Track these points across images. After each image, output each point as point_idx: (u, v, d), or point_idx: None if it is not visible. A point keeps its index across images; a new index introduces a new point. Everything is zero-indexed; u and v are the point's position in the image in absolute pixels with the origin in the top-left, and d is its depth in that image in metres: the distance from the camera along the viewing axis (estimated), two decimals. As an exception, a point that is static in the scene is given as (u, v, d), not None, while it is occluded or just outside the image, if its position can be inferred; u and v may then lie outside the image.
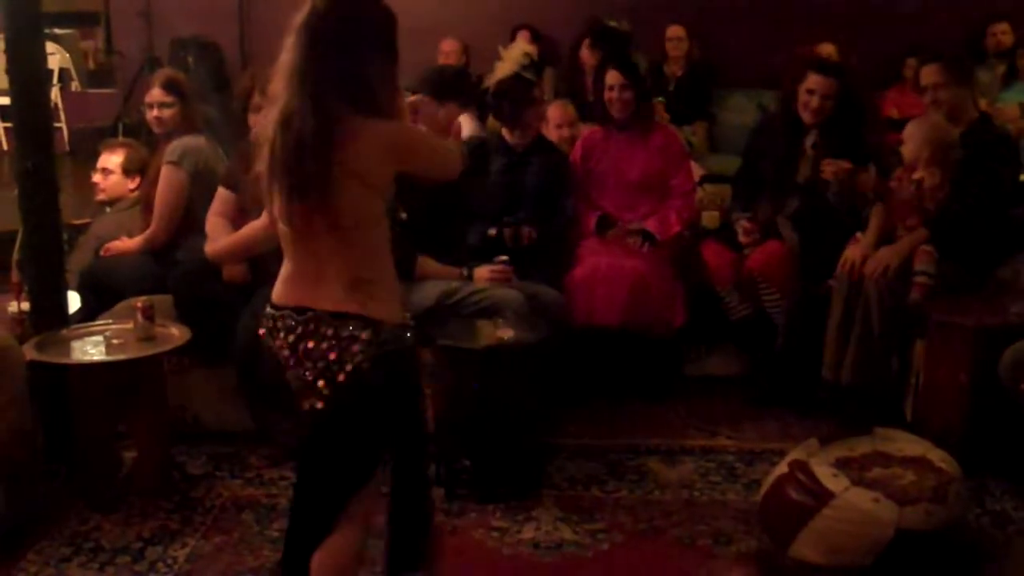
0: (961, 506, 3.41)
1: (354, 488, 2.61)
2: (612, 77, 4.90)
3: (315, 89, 2.40)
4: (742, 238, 4.78)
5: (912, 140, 4.44)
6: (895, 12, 7.58)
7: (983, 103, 6.02)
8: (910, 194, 4.41)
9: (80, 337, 3.97)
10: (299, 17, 2.45)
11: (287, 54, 2.45)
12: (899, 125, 5.42)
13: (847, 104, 4.73)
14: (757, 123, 6.16)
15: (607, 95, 4.91)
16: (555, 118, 5.38)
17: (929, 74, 4.68)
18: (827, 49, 7.02)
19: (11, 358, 3.61)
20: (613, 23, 6.95)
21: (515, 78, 4.74)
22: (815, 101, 4.66)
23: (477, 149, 4.25)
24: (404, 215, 3.82)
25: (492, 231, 4.57)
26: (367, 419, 2.58)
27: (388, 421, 2.64)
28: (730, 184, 5.41)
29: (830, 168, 4.55)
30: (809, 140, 4.74)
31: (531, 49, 4.77)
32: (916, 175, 4.42)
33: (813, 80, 4.66)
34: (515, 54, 4.72)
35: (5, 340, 3.66)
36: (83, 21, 10.40)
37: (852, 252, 4.42)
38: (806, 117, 4.70)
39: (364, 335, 2.49)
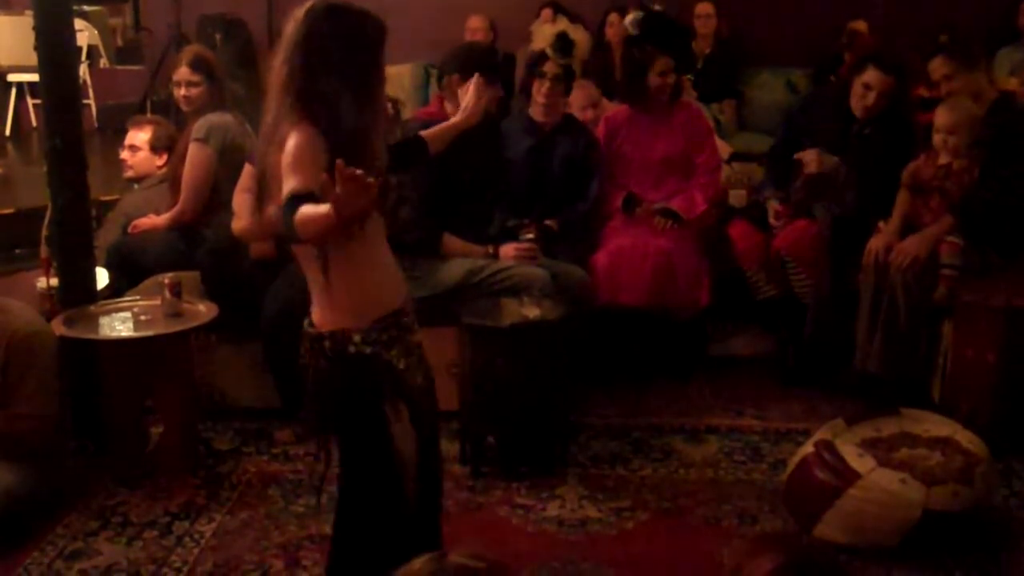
0: (988, 487, 3.40)
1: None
2: (663, 64, 4.77)
3: (282, 95, 2.42)
4: (772, 220, 4.74)
5: (943, 125, 4.36)
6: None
7: (1014, 82, 5.95)
8: (936, 178, 4.35)
9: (108, 313, 4.00)
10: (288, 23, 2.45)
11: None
12: (929, 104, 5.36)
13: (899, 99, 4.64)
14: (801, 101, 6.06)
15: (655, 80, 4.78)
16: (578, 100, 5.24)
17: (937, 67, 4.67)
18: (859, 26, 6.96)
19: (41, 342, 3.60)
20: (656, 6, 6.93)
21: (539, 53, 4.71)
22: (871, 97, 4.52)
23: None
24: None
25: (511, 223, 4.53)
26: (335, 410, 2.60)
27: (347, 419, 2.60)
28: (758, 163, 5.36)
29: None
30: (856, 129, 4.63)
31: (569, 28, 4.68)
32: (942, 160, 4.35)
33: (872, 75, 4.52)
34: (547, 32, 4.70)
35: (35, 324, 3.65)
36: (111, -2, 10.43)
37: (876, 242, 4.33)
38: (858, 111, 4.57)
39: (315, 343, 2.52)
